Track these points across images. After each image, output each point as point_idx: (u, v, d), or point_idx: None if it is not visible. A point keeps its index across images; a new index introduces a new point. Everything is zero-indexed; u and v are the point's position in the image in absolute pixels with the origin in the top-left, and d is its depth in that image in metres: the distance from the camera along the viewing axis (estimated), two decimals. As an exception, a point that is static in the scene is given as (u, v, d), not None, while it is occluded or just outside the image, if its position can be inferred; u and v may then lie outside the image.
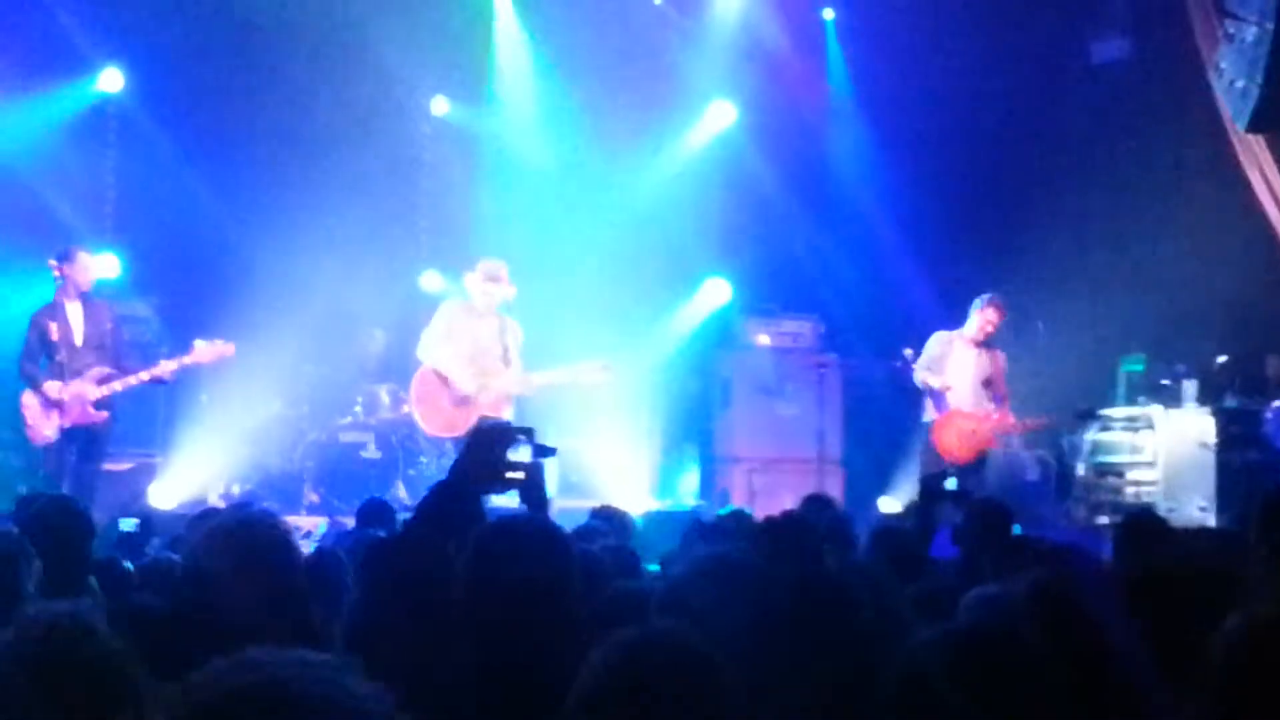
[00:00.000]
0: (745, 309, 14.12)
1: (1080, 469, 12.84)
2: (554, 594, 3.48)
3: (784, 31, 14.72)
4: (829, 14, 15.07)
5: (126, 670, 2.63)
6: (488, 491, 4.22)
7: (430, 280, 13.88)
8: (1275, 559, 4.11)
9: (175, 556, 5.79)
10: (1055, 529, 11.36)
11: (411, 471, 12.95)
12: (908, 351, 11.58)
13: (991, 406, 11.25)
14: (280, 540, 3.66)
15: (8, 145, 12.67)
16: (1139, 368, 13.20)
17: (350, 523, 8.49)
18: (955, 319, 11.52)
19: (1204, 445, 11.88)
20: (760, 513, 8.75)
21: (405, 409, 11.95)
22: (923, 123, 14.28)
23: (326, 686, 1.61)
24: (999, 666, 2.76)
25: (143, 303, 12.87)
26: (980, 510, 6.37)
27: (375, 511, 7.58)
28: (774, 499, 12.07)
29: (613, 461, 13.12)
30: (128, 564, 5.88)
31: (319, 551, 5.84)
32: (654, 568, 6.16)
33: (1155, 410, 12.47)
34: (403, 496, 12.15)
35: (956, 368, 11.30)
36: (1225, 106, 12.38)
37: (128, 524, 7.28)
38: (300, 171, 13.58)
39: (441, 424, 10.78)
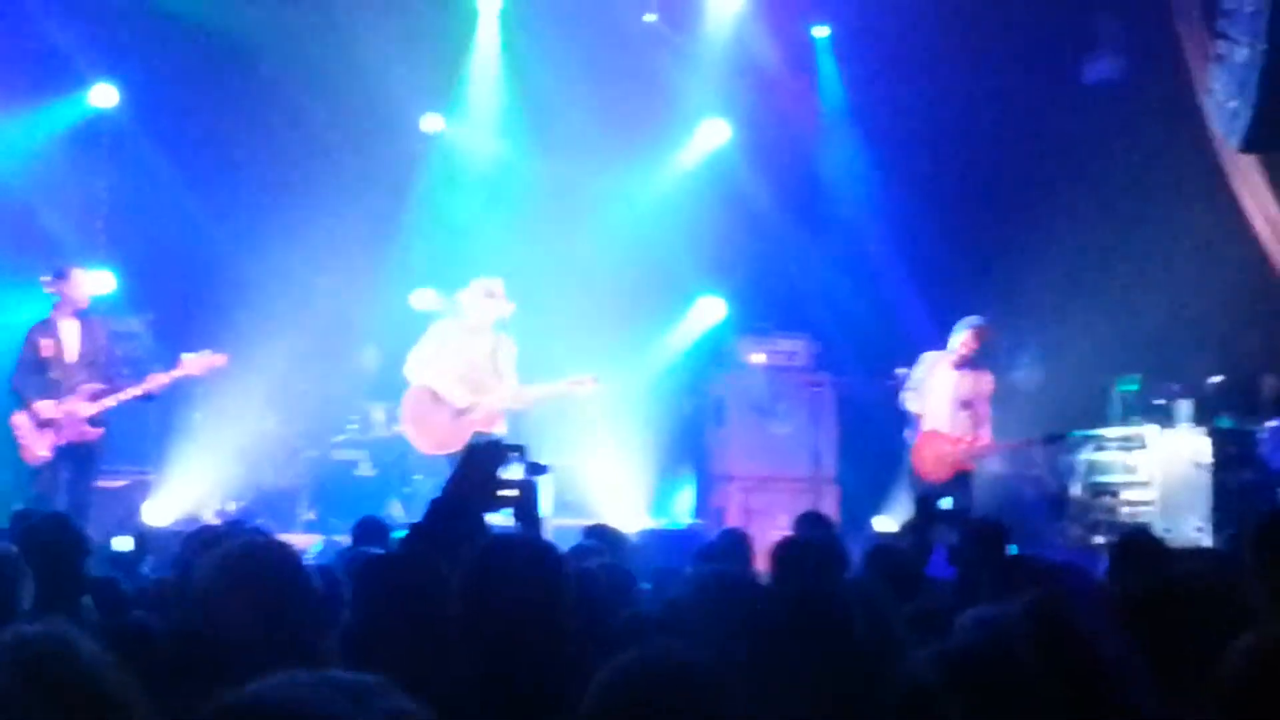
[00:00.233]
0: (739, 327, 14.11)
1: (1075, 489, 12.85)
2: (547, 612, 3.49)
3: (776, 49, 14.74)
4: (821, 31, 15.08)
5: (115, 690, 2.60)
6: (481, 509, 4.22)
7: (419, 298, 13.85)
8: (1271, 580, 4.10)
9: (169, 575, 5.77)
10: (1051, 548, 11.36)
11: (406, 489, 12.93)
12: (901, 370, 11.63)
13: (970, 428, 11.29)
14: (293, 569, 3.63)
15: (1, 160, 12.67)
16: (1133, 387, 13.19)
17: (345, 540, 8.48)
18: (949, 338, 11.57)
19: (1199, 465, 11.88)
20: (755, 531, 8.76)
21: (398, 427, 11.93)
22: (916, 142, 14.30)
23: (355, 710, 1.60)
24: (995, 686, 2.76)
25: (136, 319, 12.86)
26: (976, 530, 6.37)
27: (371, 529, 7.58)
28: (769, 518, 12.09)
29: (608, 480, 13.10)
30: (122, 582, 5.86)
31: (314, 569, 5.82)
32: (647, 586, 6.15)
33: (1150, 430, 12.47)
34: (398, 514, 12.12)
35: (936, 389, 11.40)
36: (1217, 127, 12.40)
37: (122, 542, 7.26)
38: (294, 188, 13.58)
39: (434, 442, 10.77)
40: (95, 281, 11.06)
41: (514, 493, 4.08)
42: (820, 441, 12.99)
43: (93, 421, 10.17)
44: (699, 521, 12.89)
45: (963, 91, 14.30)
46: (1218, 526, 11.37)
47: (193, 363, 10.43)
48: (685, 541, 9.43)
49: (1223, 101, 12.03)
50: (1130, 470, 12.46)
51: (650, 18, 14.67)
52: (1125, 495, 12.46)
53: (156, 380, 10.45)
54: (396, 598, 3.93)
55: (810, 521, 7.90)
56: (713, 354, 14.19)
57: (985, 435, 11.37)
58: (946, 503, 6.50)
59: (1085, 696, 3.09)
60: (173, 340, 12.20)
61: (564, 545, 5.94)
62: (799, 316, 14.20)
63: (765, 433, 13.41)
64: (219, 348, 10.80)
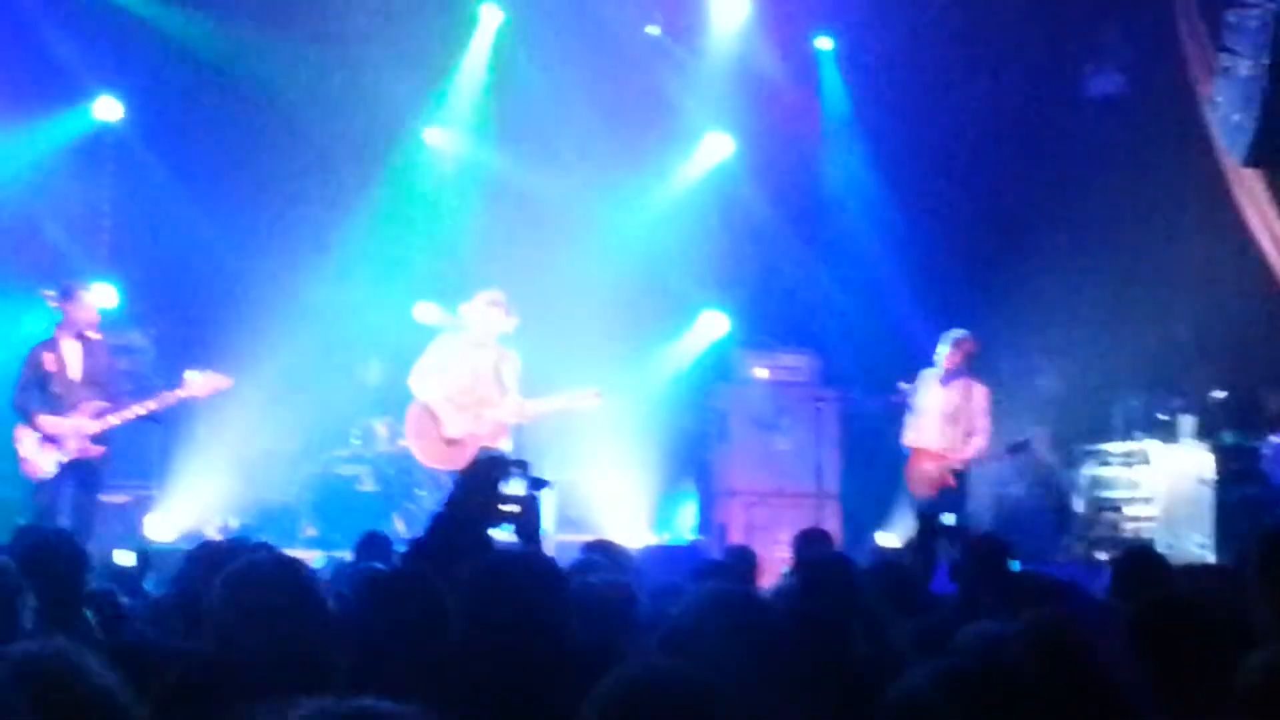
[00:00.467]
0: (742, 342, 14.10)
1: (1078, 504, 12.83)
2: (548, 628, 3.48)
3: (780, 62, 14.75)
4: (825, 44, 15.07)
5: (123, 710, 2.59)
6: (483, 524, 4.22)
7: (422, 312, 13.83)
8: (1275, 598, 4.09)
9: (172, 592, 5.76)
10: (1054, 564, 11.34)
11: (409, 505, 12.89)
12: (904, 385, 11.63)
13: (958, 442, 11.28)
14: (307, 589, 3.59)
15: (4, 173, 12.68)
16: (1136, 402, 13.18)
17: (348, 556, 8.46)
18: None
19: (1202, 481, 11.86)
20: (757, 547, 8.75)
21: (402, 442, 11.91)
22: (919, 155, 14.30)
23: None
24: (995, 704, 2.75)
25: (138, 333, 12.85)
26: (978, 546, 6.36)
27: (373, 544, 7.56)
28: (771, 533, 12.07)
29: (611, 495, 13.10)
30: (124, 598, 5.85)
31: (328, 588, 5.81)
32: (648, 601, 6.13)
33: (1153, 445, 12.45)
34: (400, 529, 12.10)
35: (925, 403, 11.41)
36: (1221, 141, 12.40)
37: (125, 557, 7.24)
38: (296, 201, 13.57)
39: (438, 456, 10.78)
40: (100, 299, 11.02)
41: (516, 508, 4.07)
42: (823, 457, 12.96)
43: (96, 439, 10.15)
44: (701, 537, 12.88)
45: (967, 105, 14.30)
46: (1220, 542, 11.35)
47: (198, 384, 10.39)
48: (687, 557, 9.42)
49: (1227, 115, 12.03)
50: (1133, 485, 12.45)
51: (653, 30, 14.68)
52: (1128, 510, 12.45)
53: (161, 400, 10.43)
54: (398, 613, 3.92)
55: (810, 539, 7.87)
56: (715, 368, 14.18)
57: (971, 448, 11.33)
58: (949, 518, 6.48)
59: (1087, 715, 3.08)
60: (175, 354, 12.19)
61: (565, 561, 5.95)
62: (802, 331, 14.20)
63: (768, 448, 13.39)
64: (220, 361, 10.78)
